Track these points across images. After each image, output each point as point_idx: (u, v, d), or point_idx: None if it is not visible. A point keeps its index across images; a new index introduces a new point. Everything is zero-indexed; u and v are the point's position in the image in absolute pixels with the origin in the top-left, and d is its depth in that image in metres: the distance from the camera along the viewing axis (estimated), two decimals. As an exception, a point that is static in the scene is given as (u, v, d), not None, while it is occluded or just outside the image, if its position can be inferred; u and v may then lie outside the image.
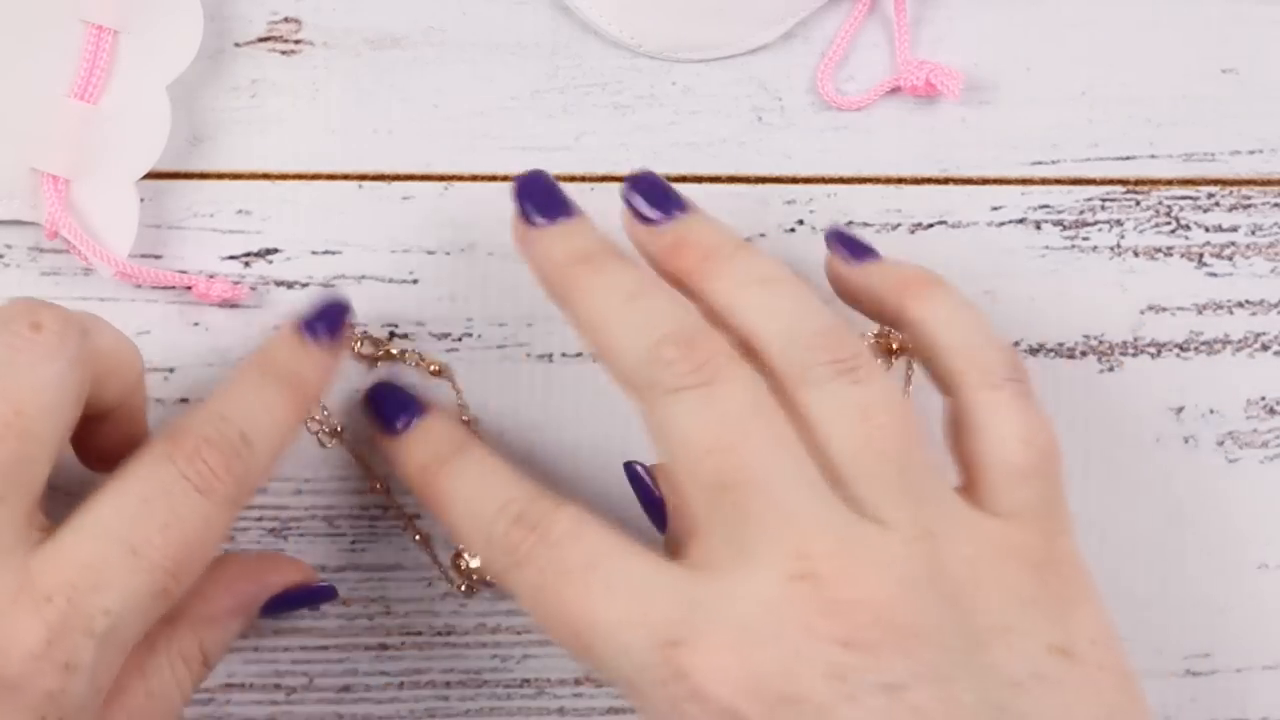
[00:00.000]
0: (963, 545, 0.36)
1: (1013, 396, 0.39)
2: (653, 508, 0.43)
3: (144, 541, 0.36)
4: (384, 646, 0.47)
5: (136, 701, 0.39)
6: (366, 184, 0.46)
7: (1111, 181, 0.48)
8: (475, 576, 0.46)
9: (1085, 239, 0.48)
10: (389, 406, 0.44)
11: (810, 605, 0.35)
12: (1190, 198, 0.48)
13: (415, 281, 0.47)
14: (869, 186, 0.47)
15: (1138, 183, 0.48)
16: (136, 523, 0.37)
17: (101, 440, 0.41)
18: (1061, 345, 0.47)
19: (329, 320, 0.42)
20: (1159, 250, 0.48)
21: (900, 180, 0.47)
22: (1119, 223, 0.48)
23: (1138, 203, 0.48)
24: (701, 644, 0.34)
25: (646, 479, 0.43)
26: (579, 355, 0.47)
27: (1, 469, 0.35)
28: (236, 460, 0.38)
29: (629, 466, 0.44)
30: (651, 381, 0.37)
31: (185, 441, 0.38)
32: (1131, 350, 0.48)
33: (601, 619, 0.36)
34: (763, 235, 0.47)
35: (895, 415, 0.38)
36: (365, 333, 0.46)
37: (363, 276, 0.46)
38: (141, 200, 0.45)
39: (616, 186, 0.47)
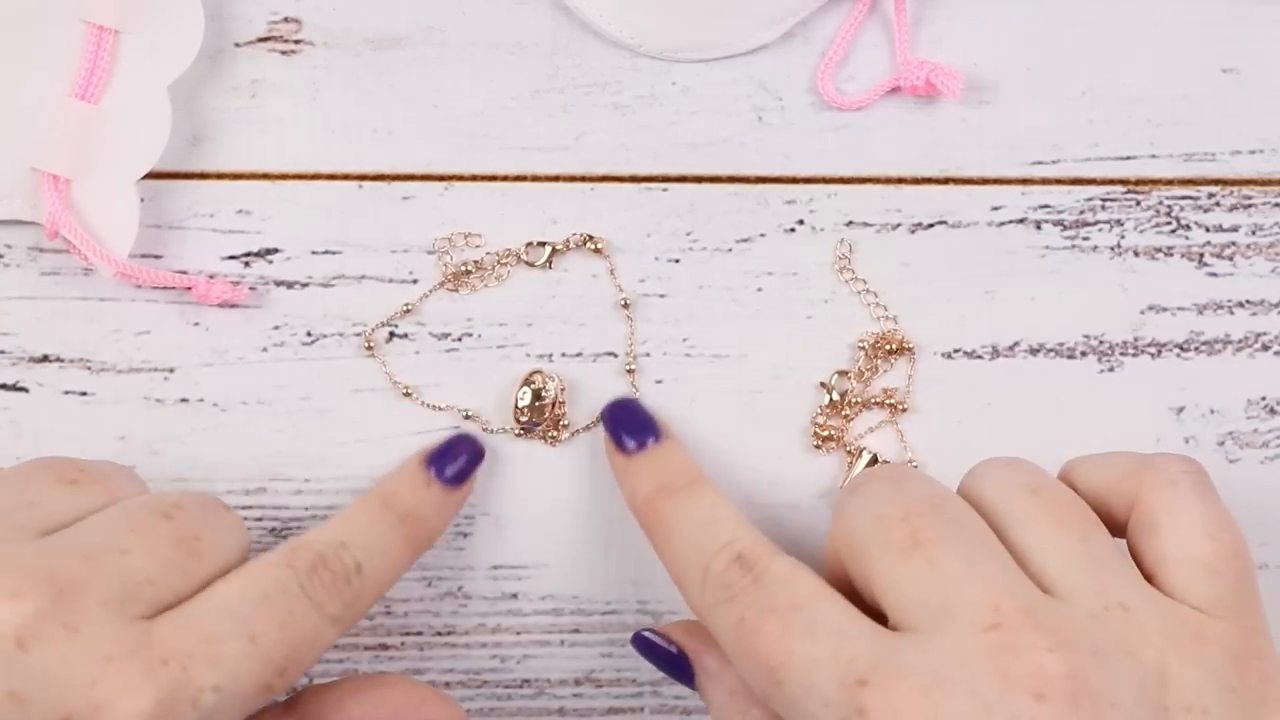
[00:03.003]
0: (1156, 621, 0.36)
1: (1192, 489, 0.39)
2: (675, 665, 0.43)
3: (263, 632, 0.37)
4: (384, 646, 0.47)
5: None
6: (366, 184, 0.46)
7: (1112, 181, 0.48)
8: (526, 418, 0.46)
9: (1085, 239, 0.48)
10: (628, 425, 0.44)
11: (1004, 656, 0.34)
12: (1191, 198, 0.48)
13: (415, 281, 0.47)
14: (869, 186, 0.47)
15: (1138, 182, 0.48)
16: (258, 612, 0.37)
17: None
18: (1061, 345, 0.47)
19: (458, 466, 0.44)
20: (1159, 250, 0.48)
21: (900, 180, 0.47)
22: (1119, 223, 0.48)
23: (1138, 202, 0.48)
24: (890, 686, 0.34)
25: (660, 641, 0.43)
26: (579, 355, 0.47)
27: (167, 563, 0.37)
28: (347, 587, 0.39)
29: (638, 637, 0.44)
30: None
31: (305, 555, 0.39)
32: (1132, 350, 0.48)
33: (797, 655, 0.36)
34: (763, 235, 0.47)
35: (1066, 492, 0.39)
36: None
37: (363, 276, 0.46)
38: (141, 200, 0.45)
39: (617, 186, 0.47)
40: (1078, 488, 0.41)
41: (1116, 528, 0.40)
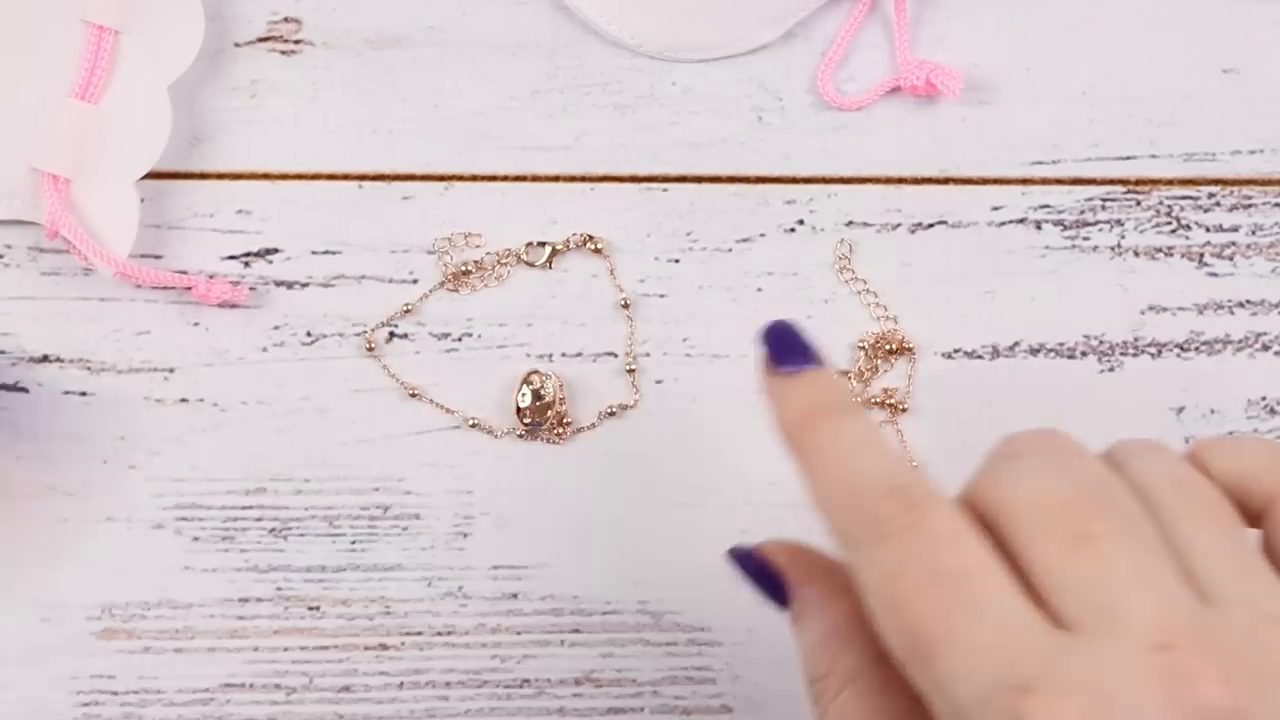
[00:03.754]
0: None
1: None
2: (771, 587, 0.40)
3: None
4: (384, 646, 0.47)
5: None
6: (366, 184, 0.47)
7: (1112, 181, 0.48)
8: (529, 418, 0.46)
9: (1086, 239, 0.48)
10: (785, 345, 0.39)
11: (1175, 684, 0.33)
12: (1191, 197, 0.48)
13: (415, 281, 0.47)
14: (869, 186, 0.47)
15: (1138, 182, 0.48)
16: None
17: None
18: (1062, 345, 0.47)
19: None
20: (1159, 250, 0.48)
21: (900, 180, 0.47)
22: (1119, 222, 0.48)
23: (1138, 202, 0.48)
24: (1054, 699, 0.32)
25: (759, 556, 0.40)
26: (579, 355, 0.47)
27: None
28: None
29: (735, 551, 0.40)
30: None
31: None
32: (1132, 350, 0.48)
33: (958, 636, 0.33)
34: (763, 235, 0.47)
35: (1212, 487, 0.36)
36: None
37: (363, 276, 0.46)
38: (141, 200, 0.45)
39: (617, 186, 0.47)
40: (1211, 473, 0.38)
41: (1249, 519, 0.38)
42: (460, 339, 0.47)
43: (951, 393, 0.47)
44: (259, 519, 0.46)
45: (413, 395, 0.46)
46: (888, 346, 0.47)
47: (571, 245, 0.47)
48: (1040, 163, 0.48)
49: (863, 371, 0.47)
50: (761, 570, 0.40)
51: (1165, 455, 0.37)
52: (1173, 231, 0.48)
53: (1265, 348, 0.48)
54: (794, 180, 0.47)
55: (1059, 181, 0.48)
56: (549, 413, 0.46)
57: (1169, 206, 0.48)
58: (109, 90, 0.45)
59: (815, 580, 0.39)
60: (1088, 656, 0.33)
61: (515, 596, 0.47)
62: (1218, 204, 0.48)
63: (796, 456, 0.38)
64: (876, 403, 0.47)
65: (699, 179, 0.47)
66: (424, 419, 0.47)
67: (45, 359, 0.46)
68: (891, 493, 0.35)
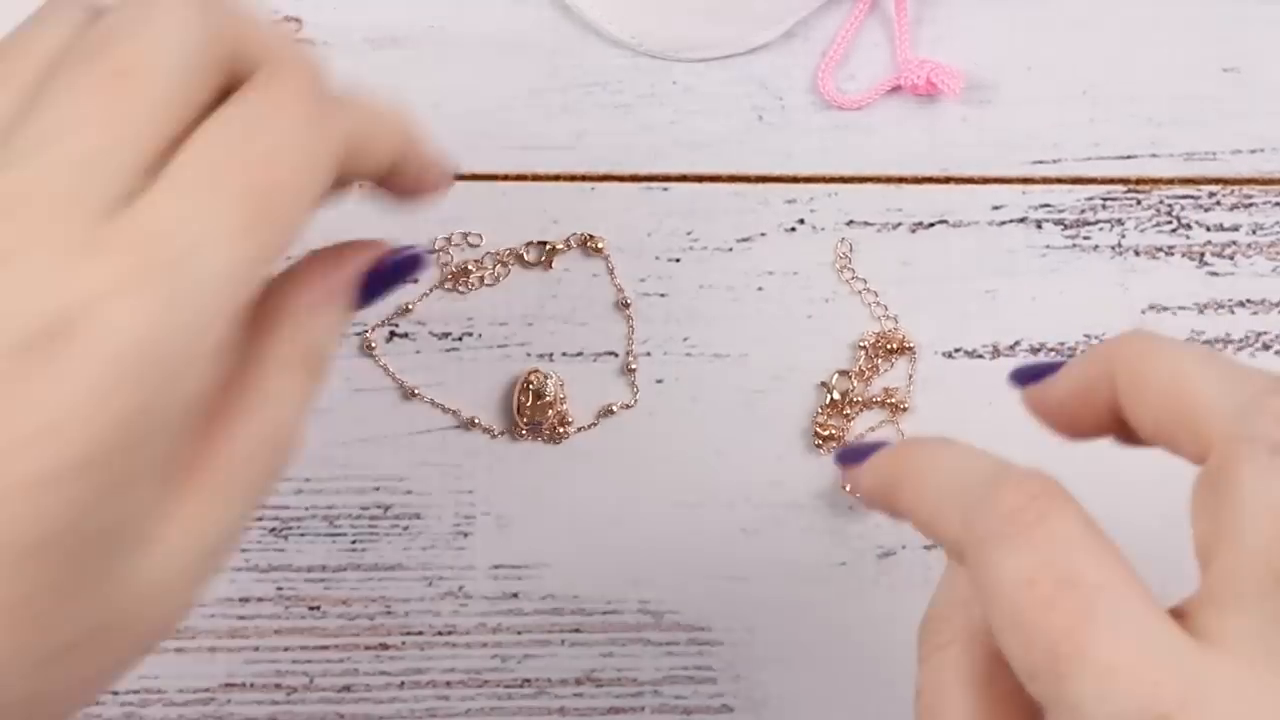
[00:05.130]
0: None
1: None
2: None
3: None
4: (384, 646, 0.47)
5: (242, 423, 0.34)
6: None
7: (1112, 181, 0.48)
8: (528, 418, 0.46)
9: (1086, 238, 0.48)
10: (856, 458, 0.38)
11: None
12: (1191, 197, 0.48)
13: (415, 281, 0.47)
14: (869, 186, 0.47)
15: (1139, 182, 0.48)
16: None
17: None
18: (1062, 345, 0.47)
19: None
20: (1160, 249, 0.48)
21: (901, 179, 0.47)
22: (1120, 222, 0.48)
23: (1139, 202, 0.48)
24: None
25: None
26: (579, 355, 0.47)
27: None
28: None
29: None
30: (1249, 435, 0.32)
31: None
32: (1132, 350, 0.48)
33: (1101, 656, 0.30)
34: (763, 234, 0.47)
35: None
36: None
37: (363, 276, 0.46)
38: (142, 200, 0.45)
39: (617, 186, 0.47)
40: (1147, 386, 0.35)
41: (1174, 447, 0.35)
42: (460, 339, 0.47)
43: (951, 393, 0.47)
44: (259, 518, 0.46)
45: (413, 395, 0.46)
46: (888, 346, 0.47)
47: (571, 245, 0.47)
48: (1041, 162, 0.47)
49: (863, 371, 0.47)
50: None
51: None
52: (1173, 231, 0.48)
53: (1266, 347, 0.48)
54: (794, 180, 0.47)
55: (1059, 181, 0.48)
56: (549, 412, 0.46)
57: (1169, 206, 0.48)
58: (109, 89, 0.44)
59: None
60: (1240, 691, 0.30)
61: (515, 596, 0.47)
62: (1218, 203, 0.48)
63: (891, 487, 0.36)
64: (877, 402, 0.47)
65: (699, 178, 0.47)
66: (424, 418, 0.47)
67: (45, 359, 0.46)
68: (1018, 485, 0.32)
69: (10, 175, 0.31)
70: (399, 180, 0.38)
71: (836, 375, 0.47)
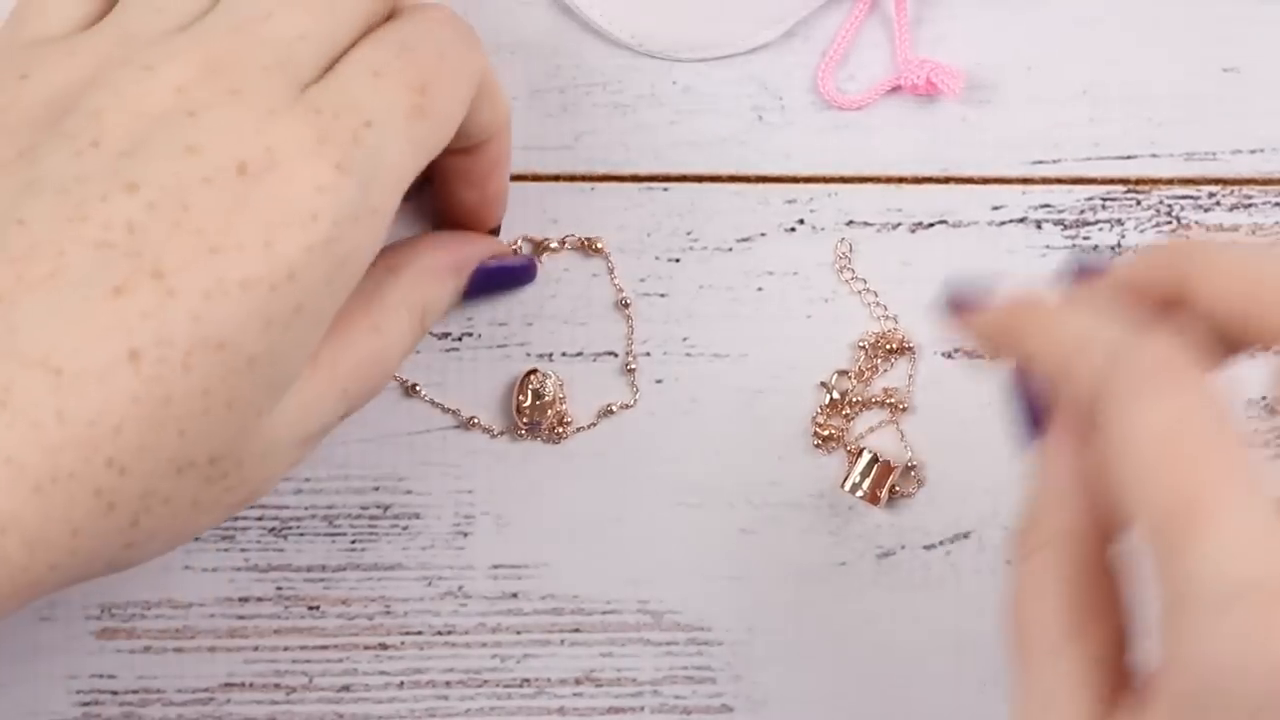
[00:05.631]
0: None
1: None
2: (1033, 413, 0.37)
3: (404, 57, 0.38)
4: (384, 646, 0.47)
5: (362, 337, 0.40)
6: (366, 183, 0.46)
7: (1112, 181, 0.48)
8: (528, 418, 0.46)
9: (1086, 238, 0.48)
10: (962, 298, 0.38)
11: None
12: (1191, 197, 0.48)
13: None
14: (869, 186, 0.47)
15: (1139, 182, 0.48)
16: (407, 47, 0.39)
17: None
18: (1062, 345, 0.47)
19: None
20: (1160, 250, 0.48)
21: (901, 180, 0.47)
22: (1120, 222, 0.48)
23: (1139, 202, 0.48)
24: None
25: (1035, 389, 0.36)
26: (579, 355, 0.47)
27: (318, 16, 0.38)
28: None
29: (1017, 386, 0.37)
30: None
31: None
32: (1132, 350, 0.48)
33: (1234, 516, 0.29)
34: (763, 235, 0.47)
35: None
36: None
37: (363, 276, 0.46)
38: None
39: (617, 186, 0.47)
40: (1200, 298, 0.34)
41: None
42: (460, 338, 0.47)
43: (951, 393, 0.47)
44: (259, 518, 0.46)
45: (412, 394, 0.46)
46: (888, 346, 0.47)
47: (571, 245, 0.47)
48: (1041, 162, 0.47)
49: (862, 371, 0.47)
50: (1033, 401, 0.36)
51: None
52: (1173, 231, 0.48)
53: (1265, 347, 0.48)
54: (794, 180, 0.47)
55: (1059, 181, 0.47)
56: (549, 412, 0.46)
57: (1169, 206, 0.48)
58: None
59: (1075, 427, 0.34)
60: None
61: (515, 596, 0.47)
62: (1218, 203, 0.48)
63: (1025, 328, 0.35)
64: (876, 402, 0.47)
65: (699, 178, 0.47)
66: (424, 418, 0.47)
67: (45, 359, 0.46)
68: (1161, 340, 0.31)
69: (227, 39, 0.36)
70: (473, 170, 0.43)
71: (836, 375, 0.47)
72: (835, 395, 0.47)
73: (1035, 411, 0.36)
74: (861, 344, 0.47)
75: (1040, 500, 0.34)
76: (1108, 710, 0.32)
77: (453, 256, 0.43)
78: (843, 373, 0.47)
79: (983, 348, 0.38)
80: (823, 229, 0.47)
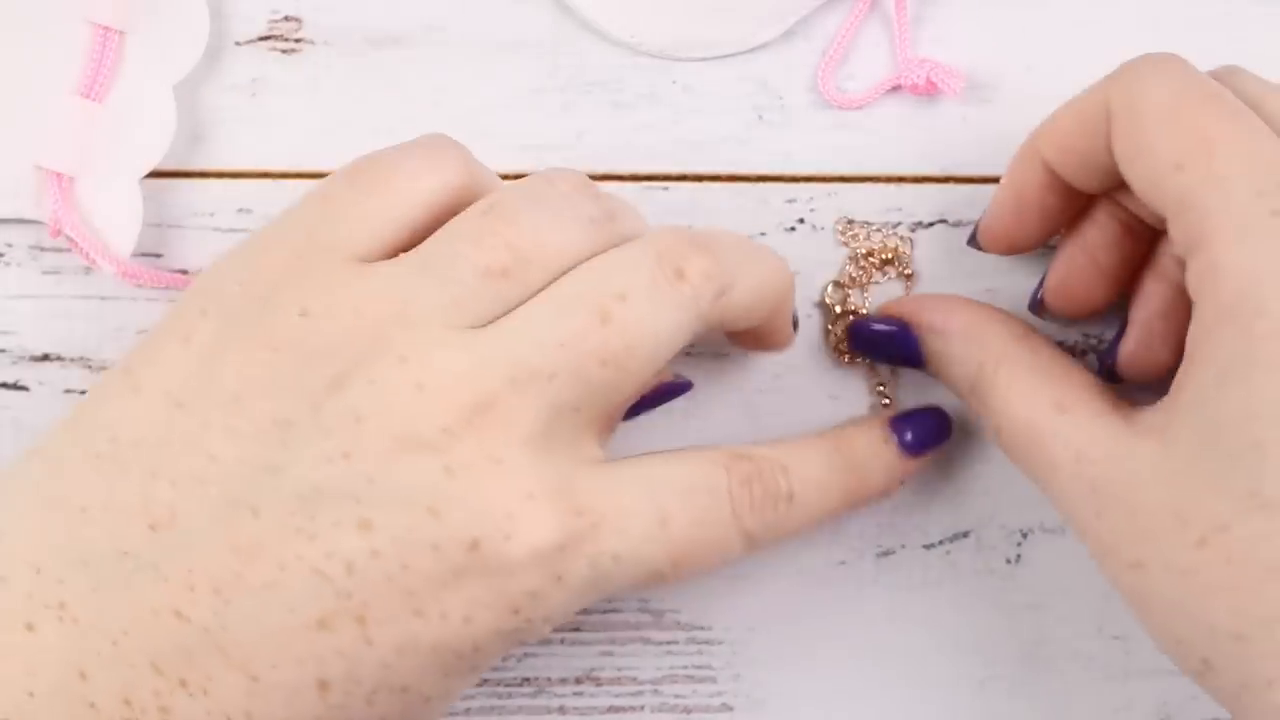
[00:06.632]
0: None
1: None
2: (905, 345, 0.44)
3: (676, 522, 0.37)
4: (384, 645, 0.47)
5: None
6: (367, 183, 0.46)
7: (1113, 181, 0.48)
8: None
9: (1087, 238, 0.47)
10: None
11: None
12: (1192, 197, 0.48)
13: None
14: (869, 185, 0.47)
15: (1139, 182, 0.48)
16: (679, 501, 0.37)
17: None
18: (1062, 344, 0.47)
19: (923, 436, 0.44)
20: (1161, 249, 0.48)
21: (901, 179, 0.47)
22: (1121, 222, 0.48)
23: (1139, 202, 0.48)
24: None
25: (879, 321, 0.44)
26: (579, 354, 0.47)
27: (594, 387, 0.36)
28: (773, 510, 0.39)
29: (859, 331, 0.45)
30: None
31: (744, 465, 0.39)
32: (1133, 350, 0.47)
33: (1241, 141, 0.37)
34: (763, 234, 0.47)
35: None
36: None
37: (363, 275, 0.46)
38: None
39: (617, 186, 0.47)
40: None
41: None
42: (460, 338, 0.47)
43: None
44: (260, 517, 0.46)
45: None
46: (883, 258, 0.47)
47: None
48: (1041, 162, 0.47)
49: (855, 278, 0.47)
50: (888, 337, 0.44)
51: None
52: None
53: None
54: (794, 179, 0.47)
55: (1060, 181, 0.47)
56: None
57: (1170, 206, 0.48)
58: (114, 89, 0.45)
59: (929, 312, 0.43)
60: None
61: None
62: (1219, 203, 0.48)
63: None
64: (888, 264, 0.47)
65: (699, 178, 0.47)
66: (425, 417, 0.47)
67: (46, 358, 0.46)
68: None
69: (507, 370, 0.36)
70: (752, 333, 0.43)
71: (831, 286, 0.47)
72: (837, 308, 0.46)
73: (901, 342, 0.44)
74: (851, 254, 0.47)
75: (964, 353, 0.42)
76: None
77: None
78: (837, 284, 0.47)
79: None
80: (822, 228, 0.47)
